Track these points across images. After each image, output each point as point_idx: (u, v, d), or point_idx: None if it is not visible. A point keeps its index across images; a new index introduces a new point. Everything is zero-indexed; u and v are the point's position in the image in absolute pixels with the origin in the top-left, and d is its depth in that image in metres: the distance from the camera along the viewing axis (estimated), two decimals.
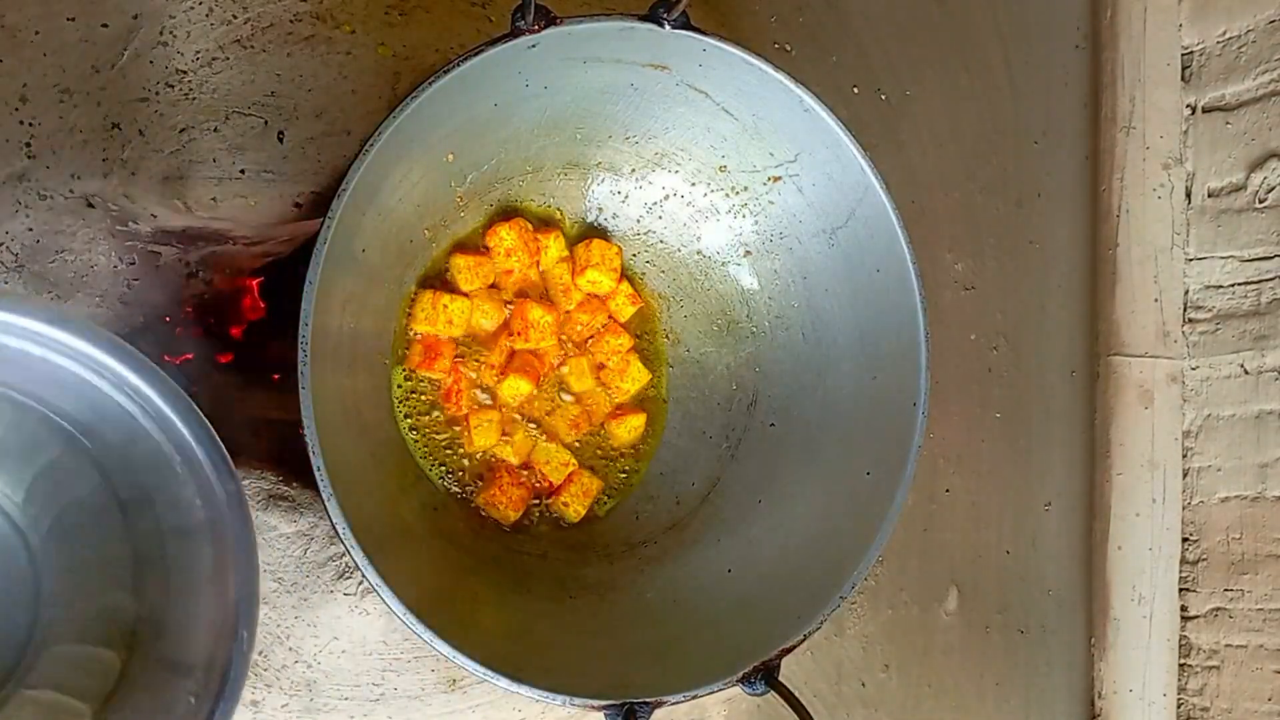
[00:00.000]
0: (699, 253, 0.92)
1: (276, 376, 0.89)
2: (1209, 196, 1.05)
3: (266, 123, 0.84)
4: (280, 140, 0.84)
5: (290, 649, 0.86)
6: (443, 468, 0.86)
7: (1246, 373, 1.01)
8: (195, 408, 0.57)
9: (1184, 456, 1.05)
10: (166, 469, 0.59)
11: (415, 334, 0.85)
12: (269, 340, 0.89)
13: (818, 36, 1.04)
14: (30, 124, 0.78)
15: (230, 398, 0.87)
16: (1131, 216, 1.05)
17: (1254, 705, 0.99)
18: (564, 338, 0.90)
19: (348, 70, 0.86)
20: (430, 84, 0.68)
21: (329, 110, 0.85)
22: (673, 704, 0.72)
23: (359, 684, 0.88)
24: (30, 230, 0.78)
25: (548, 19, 0.69)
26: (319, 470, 0.66)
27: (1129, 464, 1.03)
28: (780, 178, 0.84)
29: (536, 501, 0.89)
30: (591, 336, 0.90)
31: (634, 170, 0.89)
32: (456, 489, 0.86)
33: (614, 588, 0.86)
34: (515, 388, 0.87)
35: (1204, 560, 1.03)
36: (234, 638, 0.58)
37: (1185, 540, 1.04)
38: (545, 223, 0.90)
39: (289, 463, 0.86)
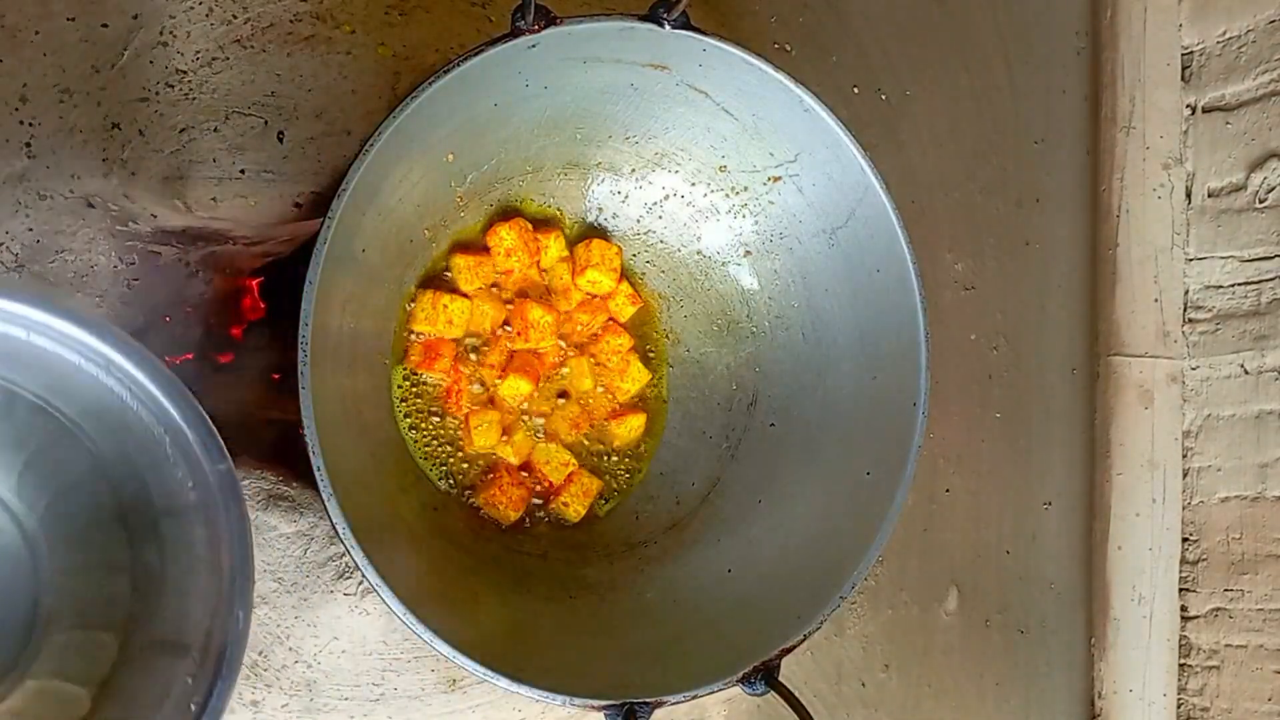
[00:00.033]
0: (699, 253, 0.92)
1: (276, 376, 0.89)
2: (1209, 196, 1.05)
3: (266, 123, 0.84)
4: (280, 140, 0.84)
5: (290, 649, 0.86)
6: (443, 468, 0.86)
7: (1246, 373, 1.01)
8: (184, 389, 0.57)
9: (1184, 456, 1.05)
10: (157, 451, 0.59)
11: (415, 334, 0.85)
12: (269, 340, 0.89)
13: (818, 36, 1.04)
14: (30, 124, 0.78)
15: (230, 398, 0.87)
16: (1131, 216, 1.05)
17: (1254, 705, 0.99)
18: (564, 338, 0.90)
19: (348, 70, 0.86)
20: (430, 84, 0.68)
21: (329, 110, 0.85)
22: (673, 704, 0.72)
23: (359, 684, 0.88)
24: (30, 230, 0.78)
25: (548, 19, 0.69)
26: (319, 470, 0.66)
27: (1129, 464, 1.03)
28: (780, 178, 0.84)
29: (537, 502, 0.89)
30: (592, 336, 0.90)
31: (634, 170, 0.89)
32: (456, 489, 0.86)
33: (614, 588, 0.86)
34: (515, 388, 0.87)
35: (1204, 560, 1.03)
36: (230, 617, 0.58)
37: (1185, 540, 1.04)
38: (545, 223, 0.90)
39: (289, 463, 0.86)
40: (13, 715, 0.62)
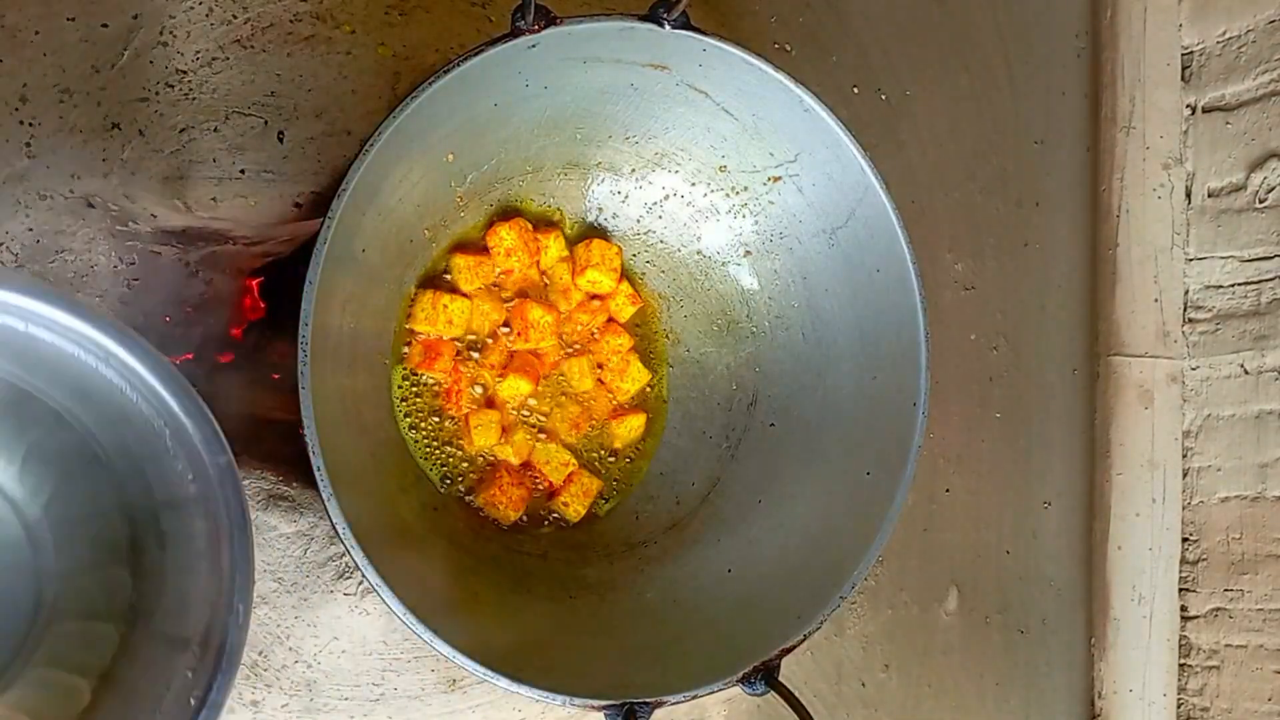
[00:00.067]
0: (699, 253, 0.92)
1: (276, 376, 0.89)
2: (1209, 196, 1.05)
3: (266, 123, 0.84)
4: (280, 140, 0.84)
5: (290, 649, 0.86)
6: (443, 468, 0.86)
7: (1246, 373, 1.01)
8: (185, 382, 0.57)
9: (1184, 456, 1.05)
10: (157, 443, 0.58)
11: (415, 334, 0.85)
12: (269, 340, 0.89)
13: (818, 36, 1.04)
14: (30, 124, 0.78)
15: (230, 398, 0.87)
16: (1131, 216, 1.05)
17: (1254, 705, 0.99)
18: (564, 338, 0.90)
19: (348, 70, 0.86)
20: (430, 84, 0.68)
21: (329, 110, 0.85)
22: (673, 704, 0.72)
23: (359, 684, 0.88)
24: (30, 230, 0.78)
25: (548, 19, 0.69)
26: (319, 470, 0.66)
27: (1129, 464, 1.03)
28: (780, 178, 0.84)
29: (537, 501, 0.89)
30: (591, 336, 0.90)
31: (634, 170, 0.89)
32: (456, 489, 0.86)
33: (614, 588, 0.86)
34: (515, 388, 0.87)
35: (1204, 560, 1.03)
36: (230, 612, 0.57)
37: (1185, 540, 1.04)
38: (545, 223, 0.90)
39: (289, 463, 0.86)
40: (14, 706, 0.62)
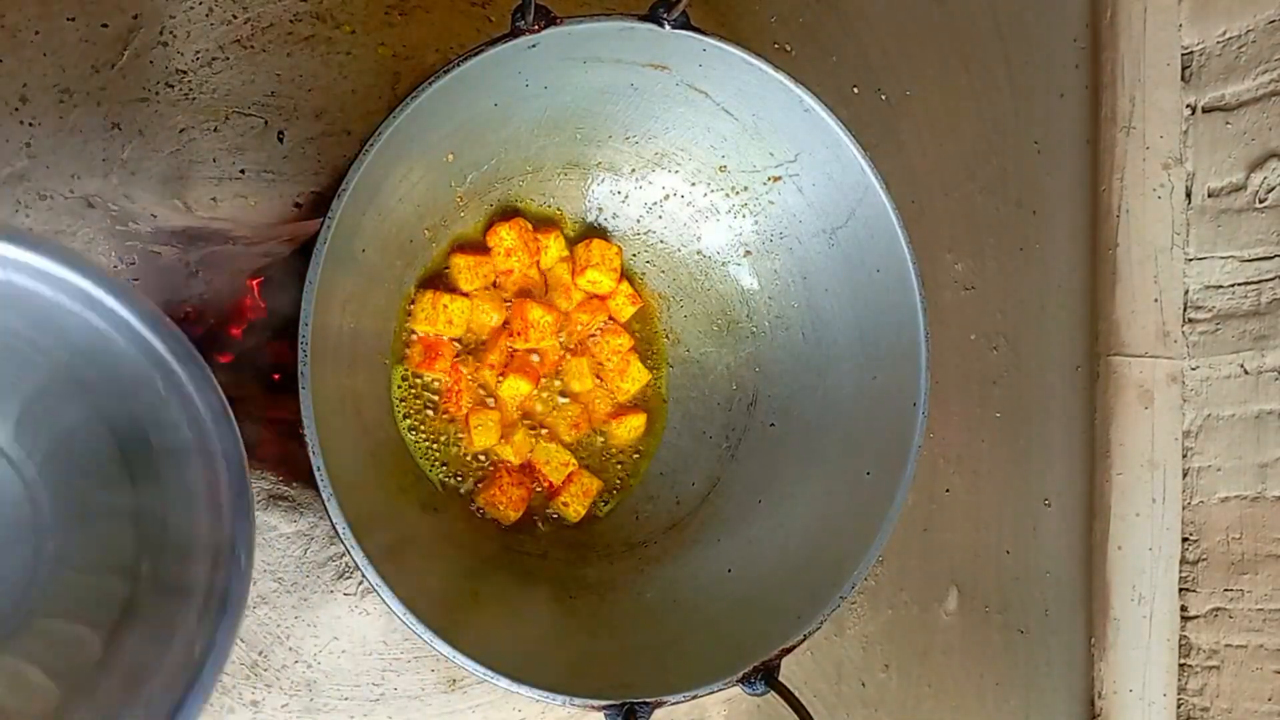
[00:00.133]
0: (699, 253, 0.92)
1: (277, 376, 0.89)
2: (1209, 196, 1.05)
3: (266, 123, 0.84)
4: (280, 140, 0.84)
5: (290, 649, 0.86)
6: (443, 468, 0.86)
7: (1246, 373, 1.01)
8: (170, 323, 0.56)
9: (1184, 456, 1.05)
10: (149, 390, 0.58)
11: (415, 334, 0.85)
12: (269, 340, 0.89)
13: (818, 36, 1.04)
14: (30, 124, 0.78)
15: (230, 398, 0.87)
16: (1131, 216, 1.05)
17: (1254, 705, 0.99)
18: (564, 338, 0.90)
19: (348, 70, 0.86)
20: (430, 84, 0.68)
21: (329, 110, 0.85)
22: (673, 704, 0.72)
23: (359, 684, 0.88)
24: (30, 230, 0.78)
25: (548, 19, 0.69)
26: (319, 470, 0.66)
27: (1129, 464, 1.03)
28: (780, 178, 0.84)
29: (537, 500, 0.89)
30: (591, 336, 0.90)
31: (634, 170, 0.89)
32: (456, 489, 0.86)
33: (614, 588, 0.86)
34: (515, 388, 0.87)
35: (1204, 560, 1.03)
36: (232, 558, 0.57)
37: (1185, 540, 1.04)
38: (545, 223, 0.90)
39: (289, 463, 0.86)
40: (25, 658, 0.62)
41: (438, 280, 0.87)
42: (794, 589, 0.79)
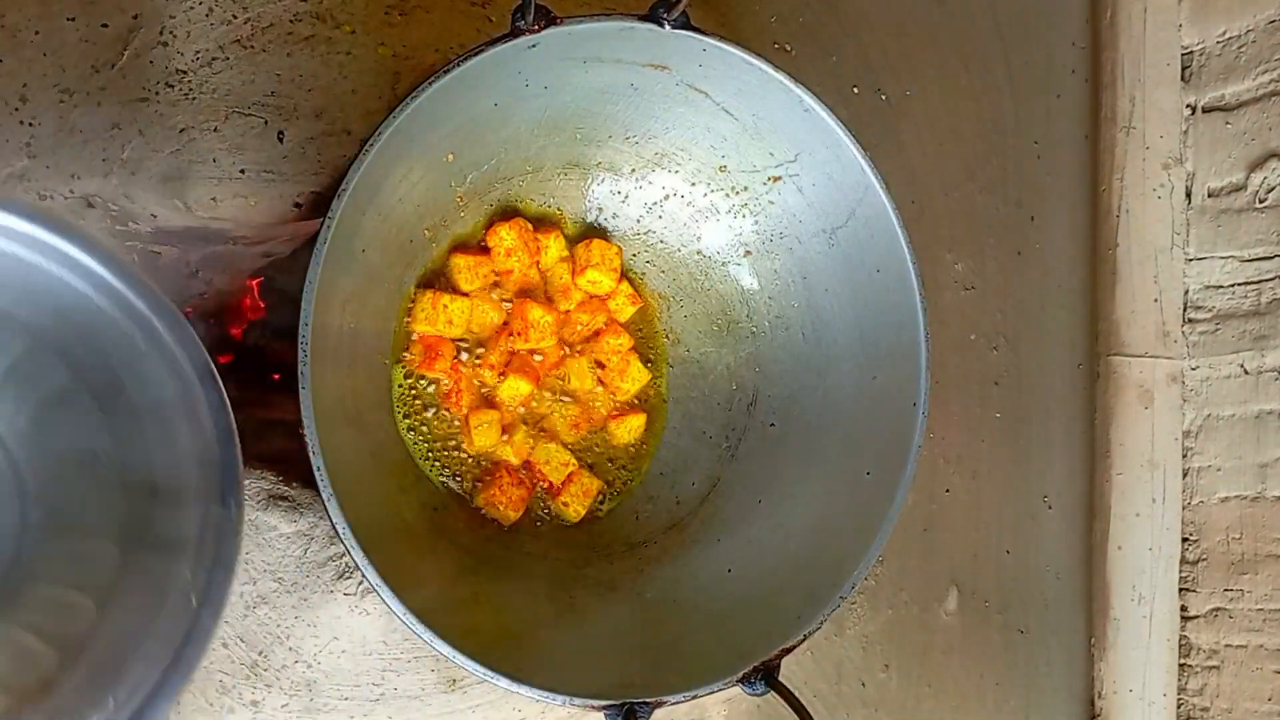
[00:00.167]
0: (699, 253, 0.92)
1: (277, 376, 0.89)
2: (1209, 196, 1.05)
3: (266, 123, 0.84)
4: (280, 140, 0.84)
5: (290, 649, 0.86)
6: (443, 468, 0.86)
7: (1246, 373, 1.01)
8: (147, 280, 0.56)
9: (1184, 456, 1.05)
10: (130, 347, 0.57)
11: (415, 334, 0.85)
12: (269, 340, 0.89)
13: (818, 36, 1.04)
14: (30, 124, 0.78)
15: (230, 398, 0.87)
16: (1131, 216, 1.05)
17: (1254, 705, 0.99)
18: (564, 338, 0.90)
19: (348, 70, 0.86)
20: (430, 84, 0.68)
21: (329, 110, 0.85)
22: (673, 704, 0.72)
23: (359, 684, 0.88)
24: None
25: (548, 19, 0.69)
26: (319, 470, 0.66)
27: (1129, 464, 1.03)
28: (780, 178, 0.84)
29: (537, 501, 0.89)
30: (591, 336, 0.90)
31: (634, 170, 0.89)
32: (456, 489, 0.86)
33: (614, 588, 0.86)
34: (515, 388, 0.87)
35: (1204, 560, 1.03)
36: (223, 508, 0.57)
37: (1185, 540, 1.04)
38: (545, 223, 0.90)
39: (289, 463, 0.86)
40: (21, 626, 0.61)
41: (438, 280, 0.87)
42: (794, 589, 0.79)
